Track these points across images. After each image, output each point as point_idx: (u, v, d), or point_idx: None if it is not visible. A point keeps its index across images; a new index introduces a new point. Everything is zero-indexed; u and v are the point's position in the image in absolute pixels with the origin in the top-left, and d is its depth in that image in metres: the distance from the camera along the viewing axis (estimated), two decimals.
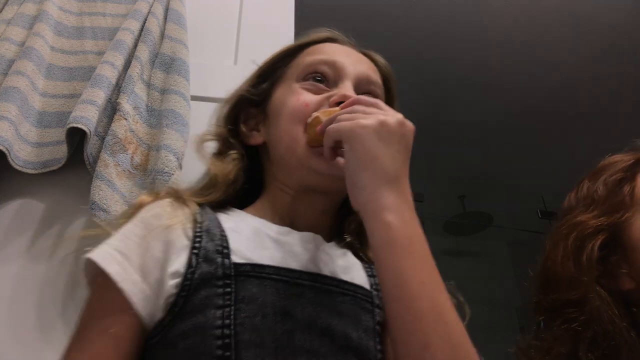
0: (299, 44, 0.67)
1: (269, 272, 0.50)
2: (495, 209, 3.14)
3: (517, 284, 3.52)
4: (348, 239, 0.61)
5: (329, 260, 0.56)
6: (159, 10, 1.05)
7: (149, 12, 1.04)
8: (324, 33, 0.67)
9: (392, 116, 0.49)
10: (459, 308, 0.48)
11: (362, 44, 0.69)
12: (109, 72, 0.89)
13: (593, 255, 0.59)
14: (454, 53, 2.32)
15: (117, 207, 0.78)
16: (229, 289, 0.47)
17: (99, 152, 0.84)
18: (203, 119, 1.01)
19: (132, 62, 0.94)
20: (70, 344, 0.47)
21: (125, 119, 0.86)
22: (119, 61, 0.92)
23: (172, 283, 0.47)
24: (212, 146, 0.68)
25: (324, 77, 0.61)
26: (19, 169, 0.84)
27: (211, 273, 0.48)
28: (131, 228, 0.51)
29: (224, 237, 0.52)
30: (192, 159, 0.94)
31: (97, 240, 0.52)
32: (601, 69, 2.37)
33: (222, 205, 0.60)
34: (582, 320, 0.56)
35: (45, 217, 0.86)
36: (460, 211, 3.36)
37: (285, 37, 1.16)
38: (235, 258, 0.49)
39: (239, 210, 0.61)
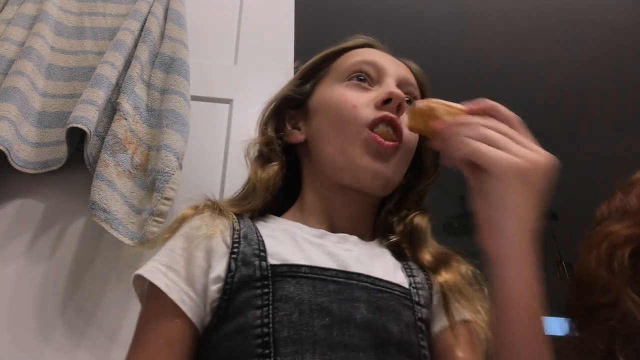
0: (339, 48, 0.69)
1: (304, 271, 0.51)
2: None
3: None
4: (393, 239, 0.62)
5: (366, 259, 0.56)
6: (159, 10, 1.05)
7: (149, 12, 1.04)
8: (361, 39, 0.70)
9: (544, 156, 0.48)
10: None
11: None
12: (109, 72, 0.89)
13: (624, 262, 0.62)
14: (454, 53, 2.32)
15: (117, 207, 0.78)
16: (266, 290, 0.49)
17: (99, 152, 0.84)
18: (203, 119, 1.01)
19: (132, 62, 0.94)
20: (127, 356, 0.50)
21: (125, 119, 0.86)
22: (119, 61, 0.92)
23: (214, 288, 0.50)
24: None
25: (367, 77, 0.63)
26: (19, 169, 0.84)
27: (250, 275, 0.50)
28: (174, 242, 0.55)
29: (261, 242, 0.54)
30: (193, 159, 0.94)
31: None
32: (602, 70, 2.37)
33: (261, 213, 0.62)
34: (616, 319, 0.60)
35: (45, 217, 0.86)
36: (460, 211, 3.36)
37: (285, 37, 1.16)
38: (272, 260, 0.51)
39: (276, 217, 0.63)
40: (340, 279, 0.52)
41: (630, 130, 2.68)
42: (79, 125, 0.80)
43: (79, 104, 0.84)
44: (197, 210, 0.58)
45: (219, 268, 0.51)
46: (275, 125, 0.67)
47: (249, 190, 0.64)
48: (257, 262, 0.51)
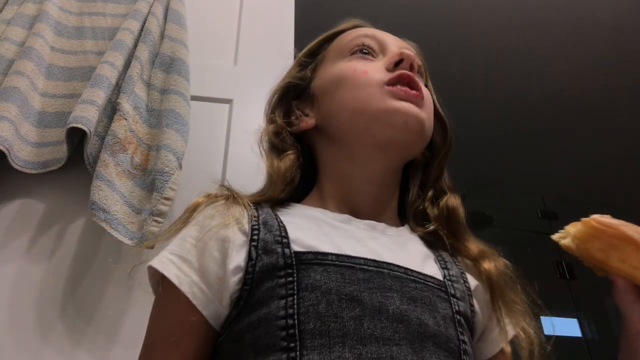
0: (333, 32, 0.68)
1: (331, 258, 0.48)
2: (495, 209, 3.13)
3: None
4: (430, 227, 0.58)
5: (396, 248, 0.54)
6: (159, 10, 1.05)
7: (149, 12, 1.04)
8: (356, 21, 0.69)
9: None
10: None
11: None
12: (109, 72, 0.89)
13: None
14: (455, 53, 2.32)
15: (116, 207, 0.78)
16: (290, 279, 0.46)
17: (99, 152, 0.84)
18: (203, 119, 1.01)
19: (132, 62, 0.94)
20: (141, 352, 0.49)
21: (125, 119, 0.86)
22: (119, 61, 0.92)
23: (235, 279, 0.47)
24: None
25: (369, 50, 0.61)
26: (19, 169, 0.84)
27: (272, 264, 0.47)
28: (187, 231, 0.51)
29: (282, 227, 0.50)
30: (192, 159, 0.94)
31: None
32: (602, 70, 2.37)
33: (280, 203, 0.59)
34: None
35: (45, 217, 0.86)
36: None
37: (285, 37, 1.16)
38: (296, 247, 0.48)
39: (297, 204, 0.60)
40: (371, 267, 0.48)
41: (630, 130, 2.68)
42: (79, 125, 0.80)
43: (79, 104, 0.84)
44: (209, 197, 0.55)
45: (239, 258, 0.48)
46: (282, 113, 0.64)
47: (267, 182, 0.61)
48: (279, 250, 0.48)
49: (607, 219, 0.42)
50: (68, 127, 0.81)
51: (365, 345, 0.42)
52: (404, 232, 0.59)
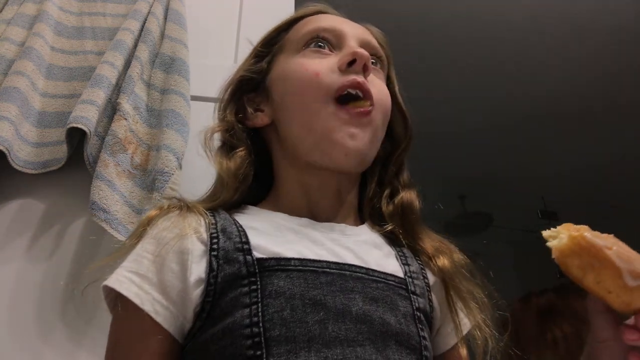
0: (291, 19, 0.64)
1: (294, 264, 0.47)
2: (495, 209, 3.14)
3: (518, 284, 3.52)
4: (387, 227, 0.58)
5: (356, 248, 0.53)
6: (159, 10, 1.05)
7: (149, 12, 1.04)
8: (314, 7, 0.65)
9: None
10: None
11: None
12: (109, 72, 0.89)
13: None
14: (455, 53, 2.32)
15: (116, 207, 0.78)
16: (254, 287, 0.45)
17: (99, 152, 0.84)
18: (203, 119, 1.01)
19: (132, 62, 0.94)
20: None
21: (125, 119, 0.86)
22: (119, 61, 0.92)
23: (197, 292, 0.46)
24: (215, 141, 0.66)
25: (326, 43, 0.58)
26: (19, 169, 0.84)
27: (235, 273, 0.46)
28: (143, 247, 0.49)
29: (242, 233, 0.49)
30: (192, 159, 0.94)
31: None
32: (603, 70, 2.37)
33: (236, 205, 0.57)
34: None
35: (45, 217, 0.86)
36: (461, 211, 3.36)
37: None
38: (257, 254, 0.47)
39: (254, 207, 0.58)
40: (333, 270, 0.48)
41: (630, 130, 2.68)
42: (79, 125, 0.80)
43: (79, 104, 0.84)
44: (162, 210, 0.53)
45: (199, 269, 0.46)
46: (235, 109, 0.61)
47: (217, 185, 0.58)
48: (241, 258, 0.46)
49: (596, 238, 0.41)
50: (68, 127, 0.81)
51: (330, 348, 0.43)
52: (364, 230, 0.58)
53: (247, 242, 0.48)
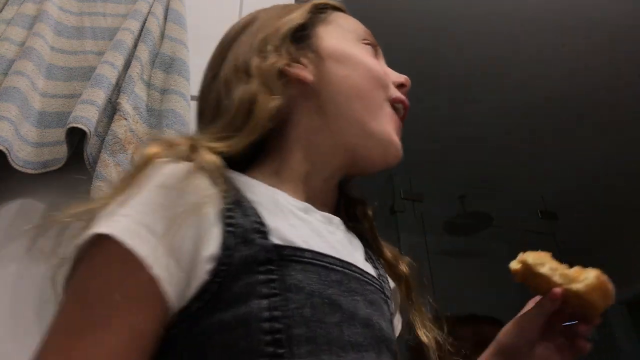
0: (336, 5, 0.62)
1: (308, 256, 0.43)
2: (495, 209, 3.13)
3: (518, 284, 3.50)
4: (366, 225, 0.58)
5: (348, 245, 0.51)
6: (159, 10, 1.05)
7: (149, 12, 1.04)
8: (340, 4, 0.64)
9: None
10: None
11: None
12: (109, 72, 0.89)
13: None
14: (455, 53, 2.32)
15: None
16: (272, 276, 0.40)
17: (99, 152, 0.84)
18: None
19: (132, 62, 0.94)
20: (72, 334, 0.37)
21: (125, 119, 0.86)
22: (119, 61, 0.92)
23: (206, 268, 0.39)
24: None
25: (372, 48, 0.59)
26: (19, 169, 0.84)
27: (252, 256, 0.40)
28: (150, 196, 0.40)
29: (254, 212, 0.43)
30: None
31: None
32: (603, 70, 2.37)
33: (232, 164, 0.48)
34: None
35: (45, 217, 0.86)
36: (460, 211, 3.36)
37: None
38: (274, 239, 0.42)
39: (243, 175, 0.50)
40: (338, 268, 0.45)
41: (630, 130, 2.68)
42: (79, 125, 0.80)
43: (79, 104, 0.84)
44: (169, 150, 0.44)
45: (214, 244, 0.40)
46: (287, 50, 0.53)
47: (238, 117, 0.48)
48: (258, 240, 0.41)
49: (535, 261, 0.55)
50: (68, 127, 0.81)
51: (346, 352, 0.40)
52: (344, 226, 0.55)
53: (263, 224, 0.42)
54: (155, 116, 0.92)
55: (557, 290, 0.51)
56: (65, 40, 1.04)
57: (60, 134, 0.87)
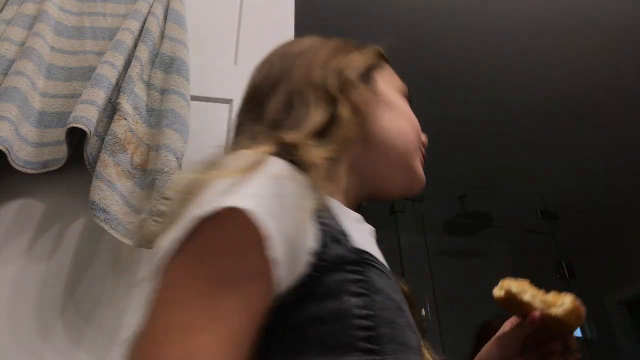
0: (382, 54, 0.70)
1: (375, 262, 0.46)
2: (495, 209, 3.13)
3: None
4: None
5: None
6: (159, 10, 1.05)
7: (149, 12, 1.04)
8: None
9: None
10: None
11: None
12: (109, 72, 0.89)
13: None
14: (454, 53, 2.32)
15: (116, 207, 0.78)
16: (360, 277, 0.42)
17: (99, 152, 0.84)
18: (203, 119, 1.01)
19: (132, 62, 0.94)
20: (194, 302, 0.35)
21: (125, 119, 0.86)
22: (119, 61, 0.92)
23: (308, 261, 0.40)
24: None
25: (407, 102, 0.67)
26: (19, 169, 0.84)
27: (342, 256, 0.43)
28: (270, 184, 0.40)
29: (337, 216, 0.46)
30: (192, 159, 0.94)
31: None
32: (603, 70, 2.37)
33: None
34: None
35: (45, 217, 0.86)
36: (460, 211, 3.36)
37: (285, 37, 1.16)
38: (354, 242, 0.45)
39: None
40: (392, 278, 0.48)
41: (630, 130, 2.68)
42: (79, 125, 0.80)
43: (79, 104, 0.84)
44: (277, 149, 0.46)
45: (312, 239, 0.41)
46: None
47: (339, 130, 0.53)
48: (343, 241, 0.44)
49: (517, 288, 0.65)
50: (68, 127, 0.81)
51: (412, 354, 0.43)
52: None
53: (342, 227, 0.45)
54: (155, 116, 0.92)
55: (536, 314, 0.61)
56: (65, 40, 1.04)
57: (60, 134, 0.87)
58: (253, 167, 0.41)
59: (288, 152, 0.47)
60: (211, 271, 0.36)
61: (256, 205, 0.37)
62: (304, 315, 0.40)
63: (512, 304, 0.63)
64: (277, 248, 0.37)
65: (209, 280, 0.36)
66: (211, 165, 0.44)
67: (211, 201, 0.37)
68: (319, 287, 0.41)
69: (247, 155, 0.43)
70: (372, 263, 0.45)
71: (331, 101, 0.56)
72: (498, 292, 0.64)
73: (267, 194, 0.39)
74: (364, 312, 0.41)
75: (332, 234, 0.43)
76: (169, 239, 0.38)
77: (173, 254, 0.37)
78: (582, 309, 0.60)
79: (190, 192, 0.41)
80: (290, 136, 0.49)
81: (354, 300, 0.41)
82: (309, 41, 0.65)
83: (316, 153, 0.47)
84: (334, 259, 0.42)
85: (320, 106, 0.55)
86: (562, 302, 0.60)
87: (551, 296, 0.62)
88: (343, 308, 0.40)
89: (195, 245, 0.37)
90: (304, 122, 0.53)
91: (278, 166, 0.42)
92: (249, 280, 0.37)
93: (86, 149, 0.82)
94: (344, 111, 0.55)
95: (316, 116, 0.53)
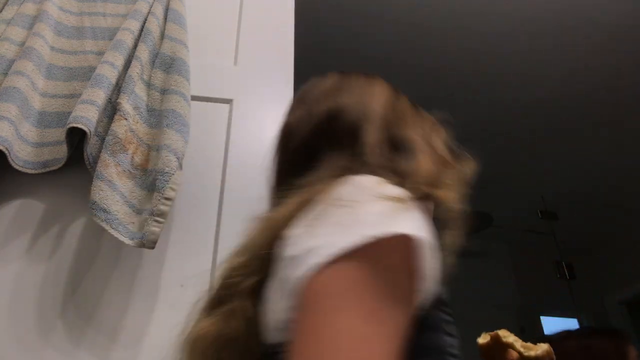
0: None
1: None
2: (495, 209, 3.14)
3: (517, 284, 3.52)
4: None
5: None
6: (159, 10, 1.05)
7: (149, 12, 1.04)
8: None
9: None
10: None
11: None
12: (109, 72, 0.89)
13: None
14: (455, 53, 2.32)
15: (117, 207, 0.78)
16: (450, 318, 0.46)
17: (99, 152, 0.84)
18: (203, 119, 1.01)
19: (132, 62, 0.94)
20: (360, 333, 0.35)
21: (126, 119, 0.86)
22: (119, 61, 0.92)
23: (424, 295, 0.42)
24: None
25: None
26: (19, 169, 0.84)
27: (439, 294, 0.45)
28: (426, 222, 0.43)
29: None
30: (193, 159, 0.94)
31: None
32: (603, 70, 2.37)
33: None
34: None
35: (45, 217, 0.86)
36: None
37: (285, 37, 1.16)
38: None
39: None
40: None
41: (630, 131, 2.68)
42: (79, 125, 0.80)
43: (79, 104, 0.84)
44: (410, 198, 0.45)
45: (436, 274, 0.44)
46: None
47: (418, 161, 0.55)
48: (438, 283, 0.44)
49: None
50: (68, 127, 0.81)
51: None
52: None
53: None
54: (156, 116, 0.92)
55: (515, 354, 0.75)
56: (65, 40, 1.04)
57: (60, 134, 0.87)
58: (407, 201, 0.43)
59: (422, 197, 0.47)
60: (387, 288, 0.38)
61: (427, 239, 0.40)
62: (413, 344, 0.40)
63: (494, 349, 0.75)
64: (428, 276, 0.40)
65: (384, 296, 0.37)
66: (369, 190, 0.43)
67: (380, 222, 0.39)
68: (426, 320, 0.42)
69: (393, 188, 0.44)
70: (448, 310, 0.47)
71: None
72: (483, 339, 0.75)
73: (428, 229, 0.41)
74: (455, 351, 0.44)
75: (437, 274, 0.43)
76: (326, 247, 0.38)
77: (332, 262, 0.37)
78: (554, 356, 0.78)
79: (341, 202, 0.42)
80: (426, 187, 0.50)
81: (449, 340, 0.44)
82: (340, 79, 0.66)
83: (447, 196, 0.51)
84: (434, 294, 0.43)
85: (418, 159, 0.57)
86: (540, 346, 0.76)
87: (529, 343, 0.76)
88: (440, 343, 0.43)
89: (370, 260, 0.38)
90: (384, 165, 0.52)
91: (410, 209, 0.43)
92: (411, 302, 0.39)
93: (86, 149, 0.82)
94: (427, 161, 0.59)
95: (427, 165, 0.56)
